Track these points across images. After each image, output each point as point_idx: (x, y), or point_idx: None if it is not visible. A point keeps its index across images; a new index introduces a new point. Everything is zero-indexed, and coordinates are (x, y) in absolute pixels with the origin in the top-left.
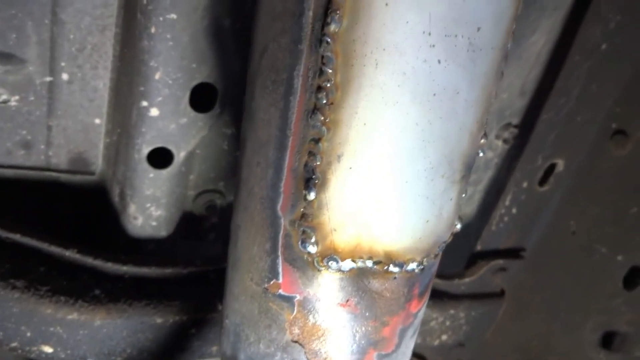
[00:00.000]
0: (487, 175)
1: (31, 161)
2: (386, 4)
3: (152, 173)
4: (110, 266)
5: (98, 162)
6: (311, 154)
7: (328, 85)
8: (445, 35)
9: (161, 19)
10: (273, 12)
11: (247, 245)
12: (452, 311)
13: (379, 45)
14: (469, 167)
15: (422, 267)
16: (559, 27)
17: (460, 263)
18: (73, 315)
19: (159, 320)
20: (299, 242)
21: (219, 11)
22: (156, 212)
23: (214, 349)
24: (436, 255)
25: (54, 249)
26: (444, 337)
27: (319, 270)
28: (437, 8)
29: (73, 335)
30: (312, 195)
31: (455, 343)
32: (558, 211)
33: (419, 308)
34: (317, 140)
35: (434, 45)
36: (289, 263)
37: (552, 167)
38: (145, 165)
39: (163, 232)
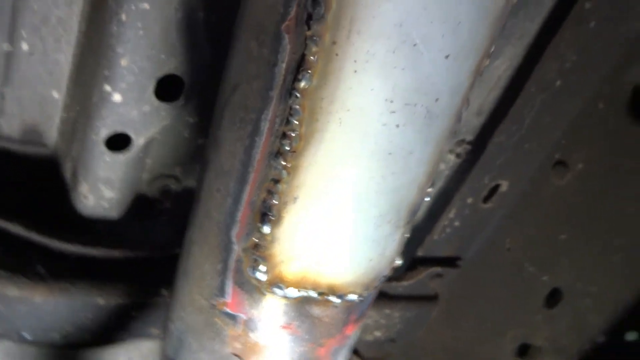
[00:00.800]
0: (436, 186)
1: None
2: (355, 71)
3: (109, 157)
4: (56, 244)
5: (53, 135)
6: (270, 192)
7: (293, 134)
8: (406, 104)
9: (133, 7)
10: (249, 53)
11: (199, 261)
12: (387, 311)
13: (344, 106)
14: (414, 213)
15: (361, 298)
16: (521, 56)
17: (401, 266)
18: (13, 292)
19: (101, 302)
20: (249, 268)
21: (194, 4)
22: (108, 193)
23: (153, 330)
24: (376, 287)
25: None
26: (378, 334)
27: (265, 295)
28: (402, 79)
29: (10, 311)
30: (266, 230)
31: (387, 339)
32: (497, 228)
33: (354, 330)
34: (276, 181)
35: (394, 112)
36: (238, 285)
37: (496, 187)
38: (102, 147)
39: (114, 214)
